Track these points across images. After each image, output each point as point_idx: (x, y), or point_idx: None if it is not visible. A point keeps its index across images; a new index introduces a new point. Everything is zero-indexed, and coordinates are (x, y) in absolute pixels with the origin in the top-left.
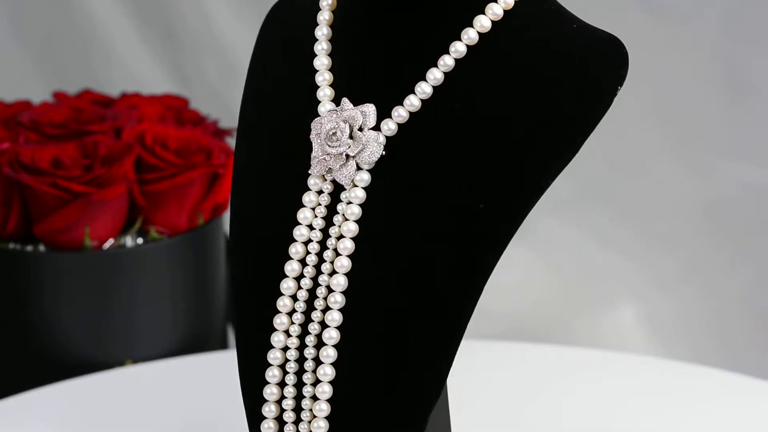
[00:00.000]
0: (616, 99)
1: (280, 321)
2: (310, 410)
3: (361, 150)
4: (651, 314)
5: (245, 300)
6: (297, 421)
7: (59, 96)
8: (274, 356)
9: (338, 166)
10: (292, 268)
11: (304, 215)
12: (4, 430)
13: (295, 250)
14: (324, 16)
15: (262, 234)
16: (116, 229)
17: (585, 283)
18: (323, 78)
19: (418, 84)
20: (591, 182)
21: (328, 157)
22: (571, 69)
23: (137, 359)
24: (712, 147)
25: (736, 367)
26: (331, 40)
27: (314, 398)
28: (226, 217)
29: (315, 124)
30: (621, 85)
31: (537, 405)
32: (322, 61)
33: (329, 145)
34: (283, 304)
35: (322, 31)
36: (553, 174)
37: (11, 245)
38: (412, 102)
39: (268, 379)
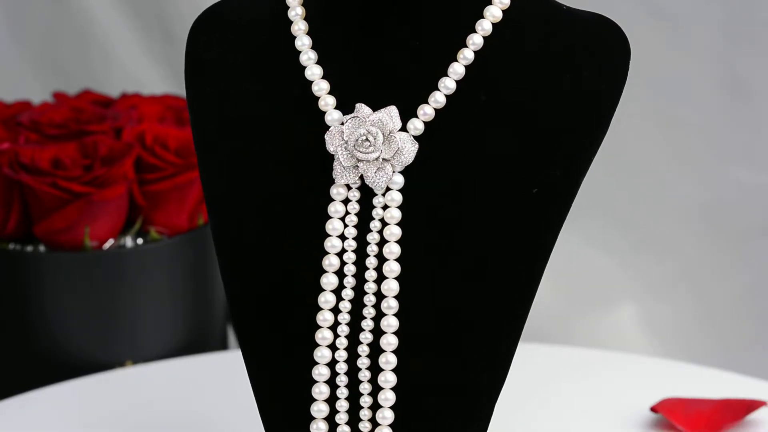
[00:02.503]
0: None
1: (322, 336)
2: (369, 420)
3: (397, 152)
4: (650, 316)
5: (254, 317)
6: None
7: (59, 96)
8: (318, 372)
9: (374, 172)
10: (328, 281)
11: (333, 226)
12: (4, 431)
13: (329, 262)
14: (300, 26)
15: (270, 252)
16: (116, 229)
17: (584, 286)
18: (319, 87)
19: (441, 80)
20: (589, 184)
21: (361, 164)
22: (582, 49)
23: (137, 359)
24: (711, 150)
25: (734, 368)
26: (313, 48)
27: (373, 408)
28: None
29: (332, 134)
30: (629, 57)
31: (536, 405)
32: (313, 71)
33: (361, 152)
34: (323, 318)
35: (303, 41)
36: (594, 150)
37: (11, 245)
38: (437, 99)
39: (315, 396)
